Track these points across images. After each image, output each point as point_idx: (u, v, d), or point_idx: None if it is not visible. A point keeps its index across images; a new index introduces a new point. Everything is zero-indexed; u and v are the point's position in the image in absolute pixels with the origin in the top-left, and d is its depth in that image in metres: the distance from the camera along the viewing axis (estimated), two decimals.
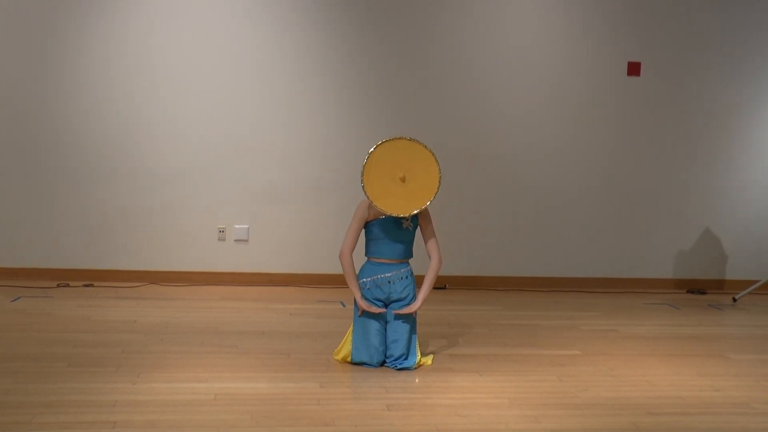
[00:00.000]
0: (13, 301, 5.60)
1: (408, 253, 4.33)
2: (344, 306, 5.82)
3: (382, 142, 4.24)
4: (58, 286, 6.18)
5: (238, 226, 6.59)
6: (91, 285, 6.26)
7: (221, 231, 6.58)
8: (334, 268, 6.53)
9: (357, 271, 4.32)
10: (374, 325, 4.25)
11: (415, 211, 4.19)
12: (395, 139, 4.26)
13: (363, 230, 4.32)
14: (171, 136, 6.48)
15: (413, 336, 4.31)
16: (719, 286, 7.16)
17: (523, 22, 6.79)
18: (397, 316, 4.27)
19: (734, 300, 6.63)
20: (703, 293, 6.97)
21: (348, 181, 6.32)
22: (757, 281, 6.72)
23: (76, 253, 6.45)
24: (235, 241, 6.60)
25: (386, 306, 4.31)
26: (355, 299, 4.28)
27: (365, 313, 4.25)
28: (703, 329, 5.61)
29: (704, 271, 7.17)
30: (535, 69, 6.82)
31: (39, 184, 6.41)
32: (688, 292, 7.02)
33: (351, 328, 4.32)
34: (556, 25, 6.83)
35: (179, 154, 6.49)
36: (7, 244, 6.42)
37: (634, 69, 6.91)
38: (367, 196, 4.15)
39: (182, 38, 6.44)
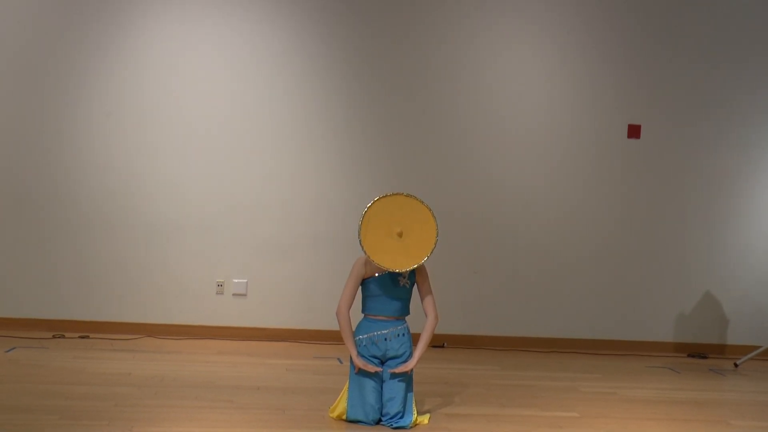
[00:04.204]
0: (7, 351, 5.56)
1: (405, 311, 4.31)
2: (341, 362, 5.77)
3: (380, 198, 4.27)
4: (54, 337, 6.14)
5: (236, 280, 6.58)
6: (87, 336, 6.22)
7: (219, 285, 6.56)
8: (331, 324, 6.45)
9: (354, 328, 4.30)
10: (370, 383, 4.21)
11: (412, 267, 4.19)
12: (392, 195, 4.30)
13: (360, 287, 4.31)
14: (171, 190, 6.50)
15: (409, 394, 4.26)
16: (720, 350, 7.09)
17: (524, 82, 6.86)
18: (394, 374, 4.23)
19: (736, 365, 6.56)
20: (704, 357, 6.91)
21: (347, 238, 6.31)
22: (759, 347, 6.66)
23: (73, 304, 6.42)
24: (234, 295, 6.58)
25: (383, 363, 4.27)
26: (351, 356, 4.25)
27: (361, 371, 4.22)
28: (704, 394, 5.54)
29: (705, 335, 7.11)
30: (535, 131, 6.87)
31: (36, 235, 6.41)
32: (688, 356, 6.96)
33: (347, 385, 4.28)
34: (556, 87, 6.90)
35: (178, 208, 6.51)
36: (3, 294, 6.39)
37: (634, 131, 6.97)
38: (364, 252, 4.16)
39: (183, 92, 6.51)
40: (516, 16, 6.84)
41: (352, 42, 6.66)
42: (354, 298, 4.30)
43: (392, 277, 4.26)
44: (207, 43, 6.53)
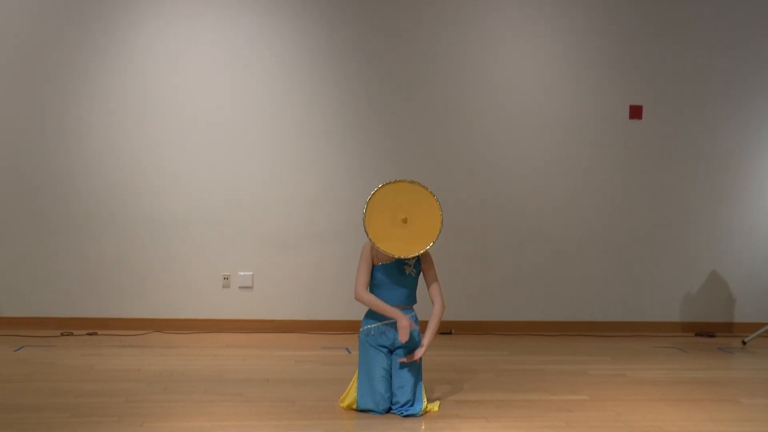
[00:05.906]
0: (16, 350, 5.57)
1: (412, 299, 4.31)
2: (349, 352, 5.78)
3: (384, 185, 4.26)
4: (62, 335, 6.15)
5: (242, 273, 6.58)
6: (95, 333, 6.23)
7: (225, 278, 6.56)
8: (339, 314, 6.53)
9: (362, 317, 4.30)
10: (379, 372, 4.21)
11: (418, 253, 4.18)
12: (397, 181, 4.29)
13: None
14: (175, 186, 6.50)
15: (419, 382, 4.27)
16: (728, 329, 7.09)
17: (524, 67, 6.84)
18: (403, 363, 4.23)
19: (744, 343, 6.56)
20: (712, 336, 6.90)
21: (352, 229, 6.32)
22: (766, 324, 6.65)
23: (80, 301, 6.43)
24: (240, 288, 6.58)
25: (391, 352, 4.27)
26: (395, 321, 4.18)
27: (370, 360, 4.21)
28: (712, 373, 5.54)
29: (712, 314, 7.11)
30: (537, 113, 6.85)
31: (41, 234, 6.42)
32: (696, 335, 6.95)
33: (356, 375, 4.29)
34: (557, 69, 6.87)
35: (183, 203, 6.51)
36: (10, 294, 6.41)
37: (636, 112, 6.94)
38: (369, 238, 4.15)
39: (185, 88, 6.50)
40: (514, 1, 6.81)
41: (352, 36, 6.63)
42: (369, 280, 4.26)
43: (398, 266, 4.25)
44: (208, 40, 6.50)
